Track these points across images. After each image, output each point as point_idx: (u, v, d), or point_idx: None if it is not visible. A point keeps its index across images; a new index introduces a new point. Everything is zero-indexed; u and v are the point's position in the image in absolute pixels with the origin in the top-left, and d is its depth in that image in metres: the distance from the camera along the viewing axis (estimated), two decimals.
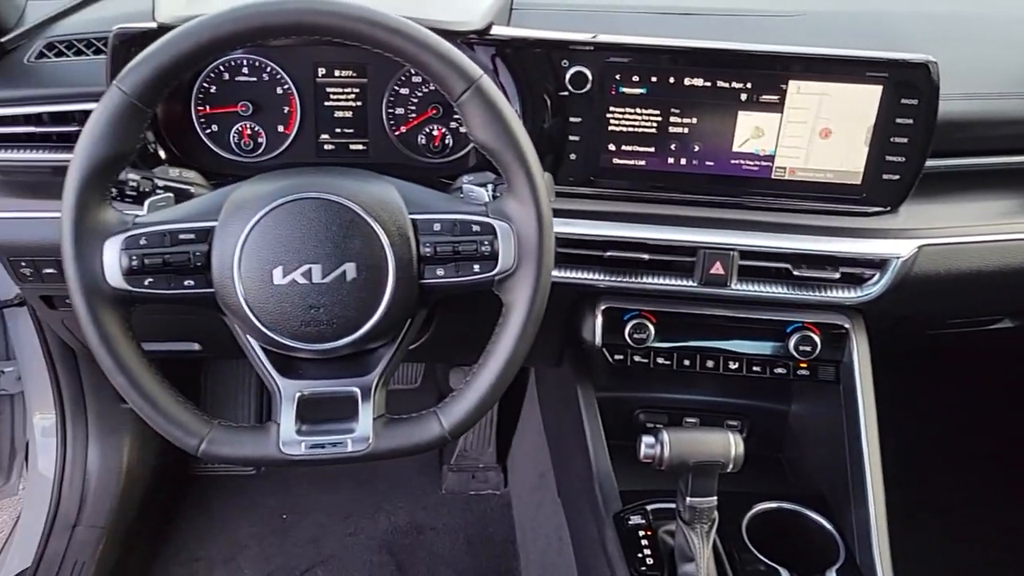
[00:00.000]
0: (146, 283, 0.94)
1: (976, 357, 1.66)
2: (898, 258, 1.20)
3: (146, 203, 1.00)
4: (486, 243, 0.97)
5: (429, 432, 1.00)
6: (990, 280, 1.25)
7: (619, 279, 1.24)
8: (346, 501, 2.06)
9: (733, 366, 1.32)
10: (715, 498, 1.13)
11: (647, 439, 1.12)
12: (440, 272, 0.98)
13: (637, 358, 1.33)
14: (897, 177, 1.19)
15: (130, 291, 0.93)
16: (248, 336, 1.02)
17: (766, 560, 1.20)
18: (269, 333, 0.96)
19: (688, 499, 1.12)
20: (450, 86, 0.94)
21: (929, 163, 1.22)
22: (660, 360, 1.32)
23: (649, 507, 1.26)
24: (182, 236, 0.95)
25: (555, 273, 1.23)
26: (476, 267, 0.98)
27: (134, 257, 0.93)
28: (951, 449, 1.99)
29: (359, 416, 1.00)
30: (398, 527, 2.02)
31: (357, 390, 1.01)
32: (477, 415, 1.00)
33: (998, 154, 1.29)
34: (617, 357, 1.32)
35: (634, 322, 1.29)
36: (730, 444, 1.11)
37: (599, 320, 1.30)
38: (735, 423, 1.49)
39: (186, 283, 0.95)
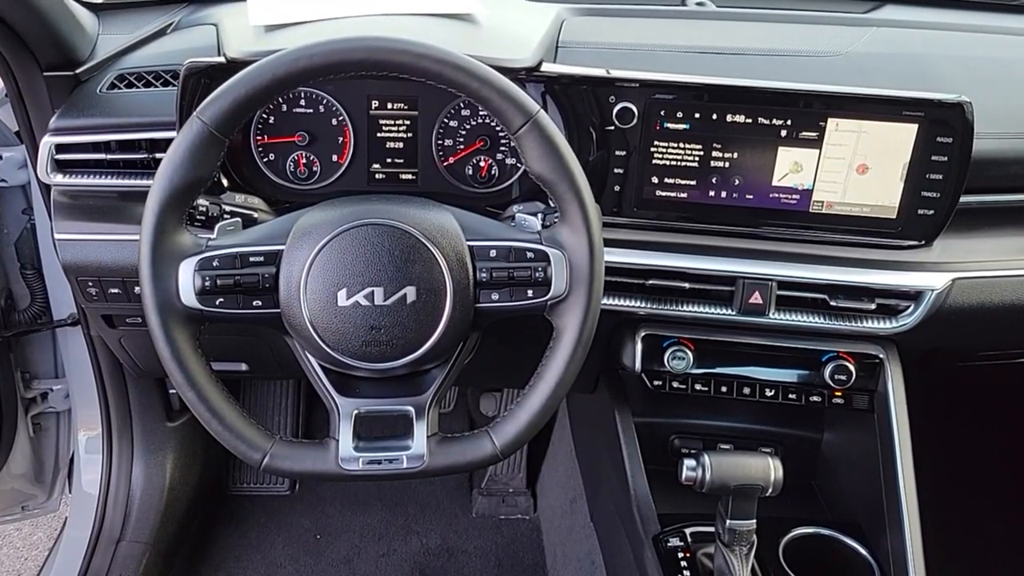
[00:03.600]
0: (217, 303, 0.99)
1: (1009, 388, 1.68)
2: (932, 290, 1.24)
3: (216, 227, 1.05)
4: (540, 269, 1.01)
5: (482, 451, 1.03)
6: (1023, 314, 1.28)
7: (659, 307, 1.28)
8: (378, 523, 2.09)
9: (769, 393, 1.35)
10: (754, 521, 1.16)
11: (689, 462, 1.15)
12: (495, 296, 1.03)
13: (675, 384, 1.36)
14: (932, 212, 1.23)
15: (202, 310, 0.98)
16: (308, 355, 1.06)
17: None
18: (331, 352, 1.00)
19: (728, 522, 1.16)
20: (509, 120, 0.99)
21: (963, 199, 1.26)
22: (698, 386, 1.36)
23: (687, 530, 1.29)
24: (252, 259, 1.00)
25: (604, 302, 1.28)
26: (530, 292, 1.02)
27: (207, 278, 0.98)
28: (983, 479, 2.00)
29: (414, 434, 1.04)
30: (430, 549, 2.05)
31: (412, 409, 1.06)
32: (527, 435, 1.04)
33: None
34: (656, 383, 1.36)
35: (673, 349, 1.32)
36: (770, 468, 1.14)
37: (639, 346, 1.34)
38: (768, 449, 1.51)
39: (255, 303, 1.00)
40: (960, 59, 1.45)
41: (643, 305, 1.29)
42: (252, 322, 1.02)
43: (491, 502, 2.16)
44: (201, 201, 1.13)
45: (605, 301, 1.28)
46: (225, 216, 1.13)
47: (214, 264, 0.98)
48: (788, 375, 1.34)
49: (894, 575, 1.24)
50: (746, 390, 1.36)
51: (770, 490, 1.14)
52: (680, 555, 1.25)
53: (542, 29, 1.34)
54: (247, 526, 2.08)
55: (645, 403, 1.51)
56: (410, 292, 0.99)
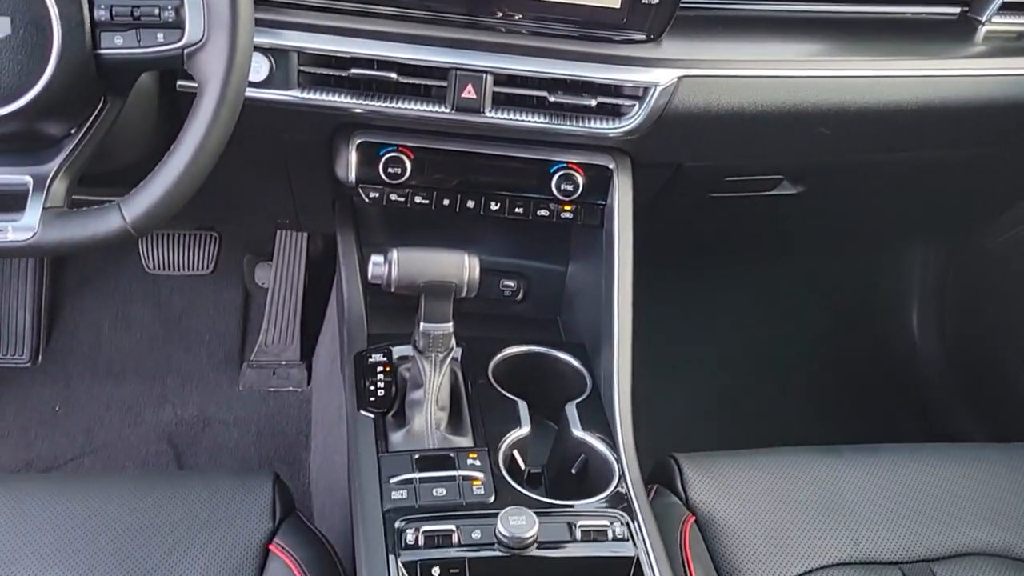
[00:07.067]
0: None
1: (755, 221, 1.65)
2: (656, 86, 1.15)
3: None
4: (170, 8, 0.87)
5: (108, 224, 0.89)
6: (752, 120, 1.21)
7: (370, 102, 1.15)
8: (129, 394, 1.92)
9: (495, 207, 1.26)
10: (450, 324, 1.06)
11: (375, 258, 1.04)
12: (119, 41, 0.87)
13: (394, 197, 1.25)
14: (656, 1, 1.14)
15: None
16: None
17: (505, 393, 1.15)
18: None
19: (422, 325, 1.06)
20: None
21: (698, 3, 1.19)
22: (419, 199, 1.25)
23: (394, 348, 1.18)
24: None
25: (304, 95, 1.14)
26: (160, 36, 0.88)
27: None
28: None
29: (27, 206, 0.89)
30: (184, 420, 1.89)
31: (29, 179, 0.90)
32: (163, 209, 0.90)
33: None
34: (373, 195, 1.24)
35: (390, 155, 1.21)
36: (464, 266, 1.05)
37: (353, 155, 1.21)
38: (512, 283, 1.43)
39: None
40: None
41: (352, 100, 1.15)
42: None
43: (261, 375, 2.02)
44: None
45: (312, 96, 1.14)
46: None
47: None
48: (515, 187, 1.25)
49: (603, 386, 1.18)
50: (470, 203, 1.25)
51: (465, 290, 1.04)
52: (379, 369, 1.14)
53: None
54: None
55: (384, 231, 1.40)
56: (3, 24, 0.83)
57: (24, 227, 0.88)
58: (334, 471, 1.57)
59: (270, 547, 1.04)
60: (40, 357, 1.95)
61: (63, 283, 2.02)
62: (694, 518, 1.12)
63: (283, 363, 2.04)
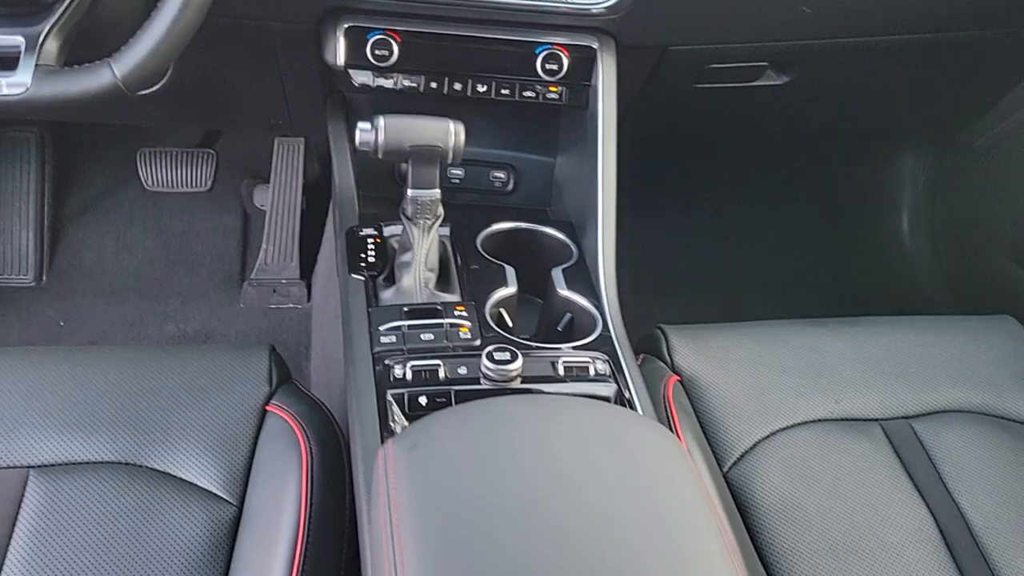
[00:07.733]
0: None
1: (746, 120, 1.67)
2: None
3: None
4: None
5: (99, 79, 0.92)
6: None
7: None
8: (133, 311, 1.96)
9: (481, 89, 1.28)
10: (437, 191, 1.09)
11: (362, 124, 1.07)
12: None
13: (381, 81, 1.27)
14: None
15: None
16: None
17: (493, 259, 1.18)
18: None
19: (409, 191, 1.08)
20: None
21: None
22: (407, 83, 1.27)
23: (385, 226, 1.21)
24: None
25: None
26: None
27: None
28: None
29: (19, 64, 0.92)
30: (187, 334, 1.93)
31: (21, 39, 0.93)
32: (152, 62, 0.93)
33: None
34: (362, 80, 1.27)
35: (377, 38, 1.23)
36: (449, 131, 1.07)
37: (341, 40, 1.23)
38: (502, 174, 1.45)
39: None
40: None
41: None
42: None
43: (261, 293, 2.05)
44: None
45: None
46: None
47: None
48: (501, 70, 1.27)
49: (588, 255, 1.21)
50: (457, 86, 1.28)
51: (451, 156, 1.07)
52: (370, 241, 1.17)
53: None
54: None
55: None
56: None
57: (17, 83, 0.91)
58: (332, 371, 1.60)
59: (267, 407, 1.08)
60: (44, 277, 1.99)
61: (66, 204, 2.05)
62: (678, 378, 1.16)
63: (283, 281, 2.07)
